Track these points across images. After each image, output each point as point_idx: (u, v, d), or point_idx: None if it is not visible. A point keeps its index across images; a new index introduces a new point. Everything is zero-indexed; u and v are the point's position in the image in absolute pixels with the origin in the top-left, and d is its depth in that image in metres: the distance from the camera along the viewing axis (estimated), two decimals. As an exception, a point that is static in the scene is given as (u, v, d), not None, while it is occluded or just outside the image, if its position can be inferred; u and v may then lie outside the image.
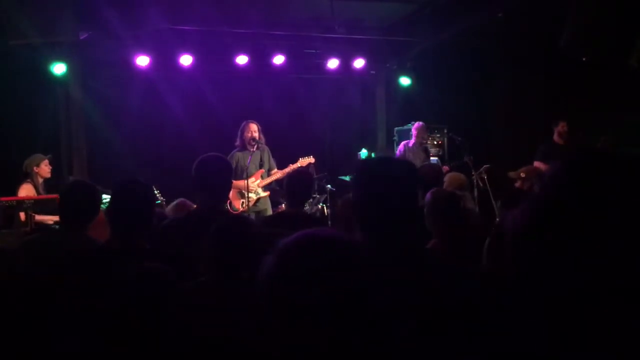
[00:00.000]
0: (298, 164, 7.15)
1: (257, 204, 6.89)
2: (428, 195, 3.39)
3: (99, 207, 3.23)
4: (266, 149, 7.03)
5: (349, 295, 1.21)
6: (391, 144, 9.86)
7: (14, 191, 6.32)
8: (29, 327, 1.94)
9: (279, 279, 1.24)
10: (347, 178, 7.44)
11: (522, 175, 5.73)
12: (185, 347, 2.29)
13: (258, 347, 2.35)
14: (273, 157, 7.29)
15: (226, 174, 3.21)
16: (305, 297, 1.20)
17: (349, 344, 1.22)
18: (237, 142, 6.94)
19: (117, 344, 2.01)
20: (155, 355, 2.31)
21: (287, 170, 7.05)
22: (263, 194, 6.96)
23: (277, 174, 7.05)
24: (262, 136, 6.95)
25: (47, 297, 2.04)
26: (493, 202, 8.56)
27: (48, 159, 6.67)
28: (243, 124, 6.95)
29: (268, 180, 7.01)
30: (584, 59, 7.39)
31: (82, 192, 3.17)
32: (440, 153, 9.70)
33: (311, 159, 7.25)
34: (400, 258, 1.78)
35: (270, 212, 7.06)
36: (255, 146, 6.84)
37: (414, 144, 8.38)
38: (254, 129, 6.86)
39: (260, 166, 6.97)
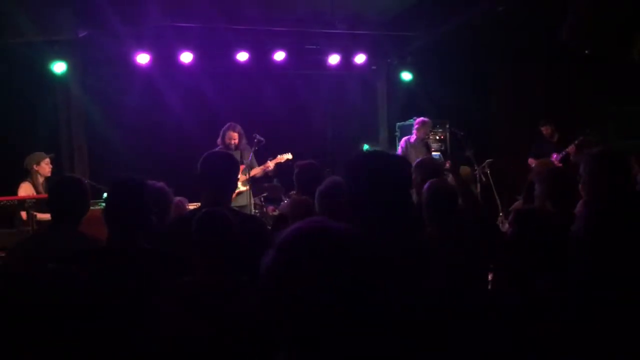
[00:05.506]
0: (276, 161, 7.30)
1: (238, 199, 6.91)
2: (425, 186, 3.44)
3: (89, 201, 3.17)
4: (247, 148, 7.12)
5: (353, 282, 1.24)
6: (393, 139, 9.82)
7: (14, 190, 6.30)
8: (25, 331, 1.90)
9: (281, 271, 1.25)
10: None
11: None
12: (171, 343, 2.26)
13: (244, 340, 2.35)
14: (273, 153, 7.35)
15: (232, 171, 3.16)
16: (310, 287, 1.22)
17: (353, 326, 1.24)
18: (219, 141, 7.01)
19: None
20: (142, 351, 2.29)
21: (265, 166, 7.24)
22: (242, 188, 7.03)
23: (256, 169, 7.21)
24: (243, 140, 7.07)
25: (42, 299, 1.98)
26: (496, 196, 8.56)
27: (50, 158, 6.64)
28: (225, 128, 7.04)
29: (250, 174, 7.11)
30: (586, 52, 7.38)
31: (71, 187, 3.11)
32: (443, 148, 9.66)
33: (289, 155, 7.34)
34: (395, 245, 1.87)
35: (251, 208, 7.14)
36: (235, 148, 6.96)
37: (415, 139, 8.32)
38: (234, 137, 6.98)
39: (241, 162, 7.04)
